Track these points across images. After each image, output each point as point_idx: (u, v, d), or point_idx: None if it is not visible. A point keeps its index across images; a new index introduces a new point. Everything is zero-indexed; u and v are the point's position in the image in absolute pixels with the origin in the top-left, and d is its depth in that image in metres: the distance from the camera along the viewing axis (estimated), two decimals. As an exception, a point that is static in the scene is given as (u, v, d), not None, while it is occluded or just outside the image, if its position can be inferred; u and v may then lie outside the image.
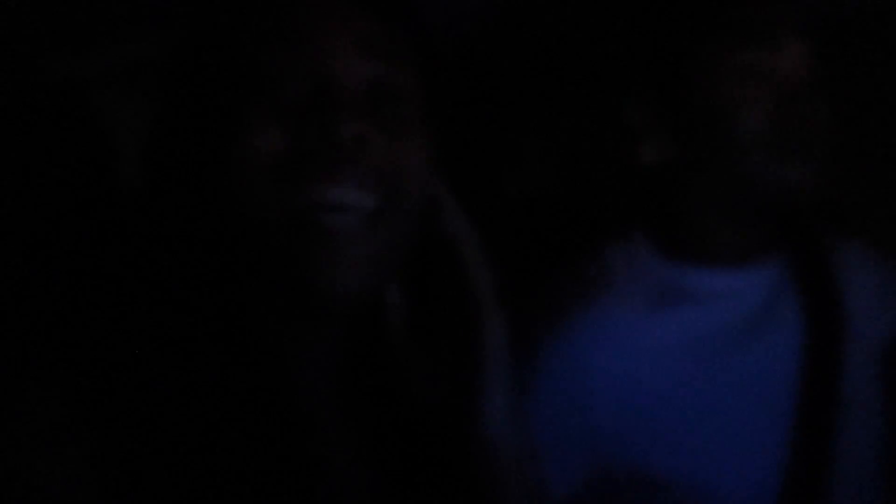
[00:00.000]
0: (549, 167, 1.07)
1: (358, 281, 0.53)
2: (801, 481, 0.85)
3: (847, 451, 0.86)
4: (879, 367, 0.91)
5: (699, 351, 0.87)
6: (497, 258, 0.61)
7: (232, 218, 0.54)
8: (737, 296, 0.89)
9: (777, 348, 0.89)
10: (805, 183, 0.85)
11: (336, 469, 0.57)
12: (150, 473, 0.48)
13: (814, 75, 0.86)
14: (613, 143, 0.94)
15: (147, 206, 0.58)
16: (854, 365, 0.89)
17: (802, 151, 0.85)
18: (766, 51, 0.85)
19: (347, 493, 0.57)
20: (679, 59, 0.88)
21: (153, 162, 0.58)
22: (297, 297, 0.54)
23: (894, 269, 0.96)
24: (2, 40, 0.82)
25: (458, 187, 0.61)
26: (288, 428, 0.54)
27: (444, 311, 0.59)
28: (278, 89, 0.54)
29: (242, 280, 0.55)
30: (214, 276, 0.55)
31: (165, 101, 0.58)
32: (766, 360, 0.88)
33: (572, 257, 0.95)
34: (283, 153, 0.53)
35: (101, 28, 0.80)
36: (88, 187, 0.76)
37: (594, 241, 0.95)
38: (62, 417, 0.48)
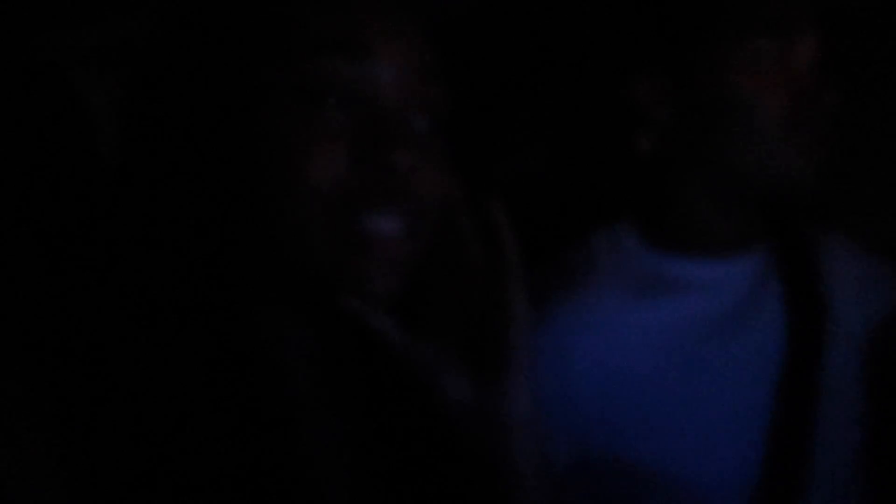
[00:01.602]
0: (538, 154, 1.06)
1: (390, 283, 0.55)
2: (781, 470, 0.85)
3: (827, 441, 0.87)
4: (860, 358, 0.91)
5: (682, 340, 0.87)
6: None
7: (263, 220, 0.53)
8: (721, 286, 0.89)
9: (760, 338, 0.89)
10: (809, 175, 0.85)
11: (324, 463, 0.57)
12: (131, 466, 0.48)
13: (823, 67, 0.85)
14: (608, 128, 0.93)
15: (143, 192, 0.56)
16: (836, 355, 0.90)
17: (811, 144, 0.84)
18: (780, 40, 0.84)
19: (335, 487, 0.57)
20: (692, 42, 0.86)
21: (157, 152, 0.56)
22: (309, 294, 0.55)
23: (876, 261, 0.96)
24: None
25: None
26: (276, 422, 0.54)
27: (456, 302, 0.60)
28: (338, 105, 0.53)
29: (235, 272, 0.55)
30: (204, 266, 0.54)
31: (183, 93, 0.56)
32: (749, 349, 0.88)
33: (559, 245, 0.95)
34: (344, 178, 0.52)
35: (85, 7, 0.78)
36: (69, 168, 0.74)
37: (581, 229, 0.95)
38: (32, 407, 0.48)
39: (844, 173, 0.94)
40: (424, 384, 0.58)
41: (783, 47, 0.84)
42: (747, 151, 0.85)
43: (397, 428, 0.59)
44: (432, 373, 0.58)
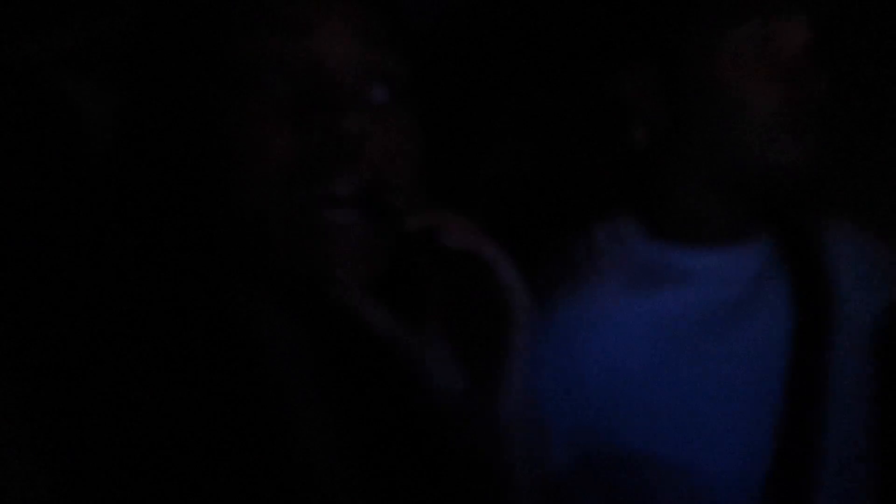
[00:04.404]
0: (526, 148, 1.05)
1: (356, 271, 0.55)
2: (788, 464, 0.84)
3: (835, 434, 0.86)
4: (868, 348, 0.90)
5: (687, 330, 0.86)
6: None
7: (224, 208, 0.54)
8: (724, 276, 0.88)
9: (765, 329, 0.88)
10: (804, 162, 0.84)
11: (315, 458, 0.57)
12: (117, 464, 0.48)
13: (815, 49, 0.84)
14: (600, 120, 0.92)
15: (120, 190, 0.57)
16: (843, 346, 0.88)
17: (804, 131, 0.83)
18: (765, 26, 0.82)
19: (327, 482, 0.57)
20: (677, 33, 0.85)
21: (127, 146, 0.57)
22: (290, 285, 0.54)
23: (883, 250, 0.95)
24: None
25: (432, 170, 0.60)
26: (265, 418, 0.54)
27: (462, 297, 0.59)
28: (278, 81, 0.53)
29: (219, 265, 0.55)
30: (188, 260, 0.55)
31: (138, 84, 0.57)
32: (754, 340, 0.87)
33: (557, 239, 0.94)
34: (290, 150, 0.53)
35: (62, 9, 0.78)
36: (57, 170, 0.74)
37: (579, 222, 0.94)
38: (14, 406, 0.48)
39: (847, 160, 0.92)
40: (413, 374, 0.57)
41: (768, 33, 0.82)
42: (739, 141, 0.84)
43: (388, 422, 0.58)
44: (421, 362, 0.57)
